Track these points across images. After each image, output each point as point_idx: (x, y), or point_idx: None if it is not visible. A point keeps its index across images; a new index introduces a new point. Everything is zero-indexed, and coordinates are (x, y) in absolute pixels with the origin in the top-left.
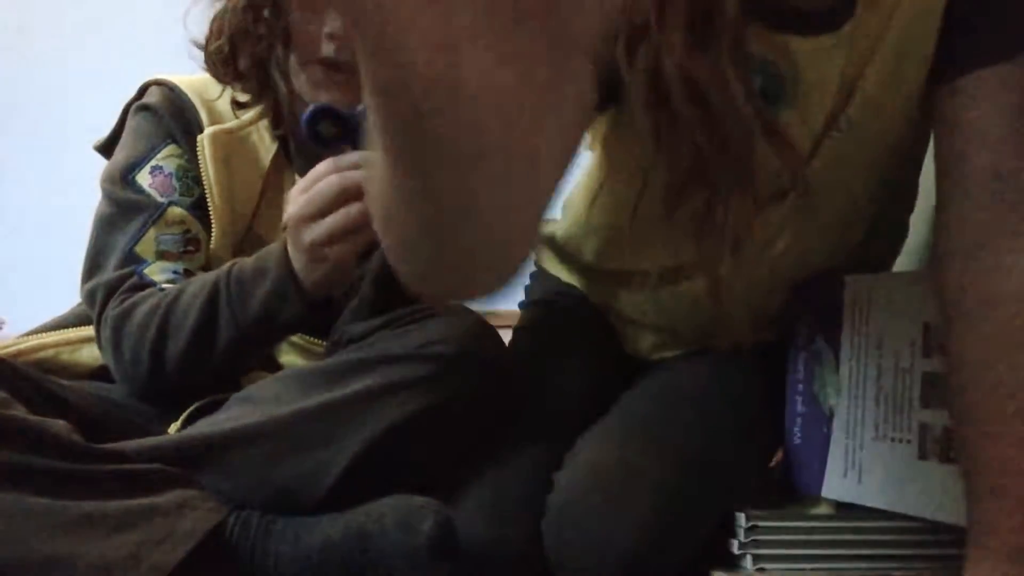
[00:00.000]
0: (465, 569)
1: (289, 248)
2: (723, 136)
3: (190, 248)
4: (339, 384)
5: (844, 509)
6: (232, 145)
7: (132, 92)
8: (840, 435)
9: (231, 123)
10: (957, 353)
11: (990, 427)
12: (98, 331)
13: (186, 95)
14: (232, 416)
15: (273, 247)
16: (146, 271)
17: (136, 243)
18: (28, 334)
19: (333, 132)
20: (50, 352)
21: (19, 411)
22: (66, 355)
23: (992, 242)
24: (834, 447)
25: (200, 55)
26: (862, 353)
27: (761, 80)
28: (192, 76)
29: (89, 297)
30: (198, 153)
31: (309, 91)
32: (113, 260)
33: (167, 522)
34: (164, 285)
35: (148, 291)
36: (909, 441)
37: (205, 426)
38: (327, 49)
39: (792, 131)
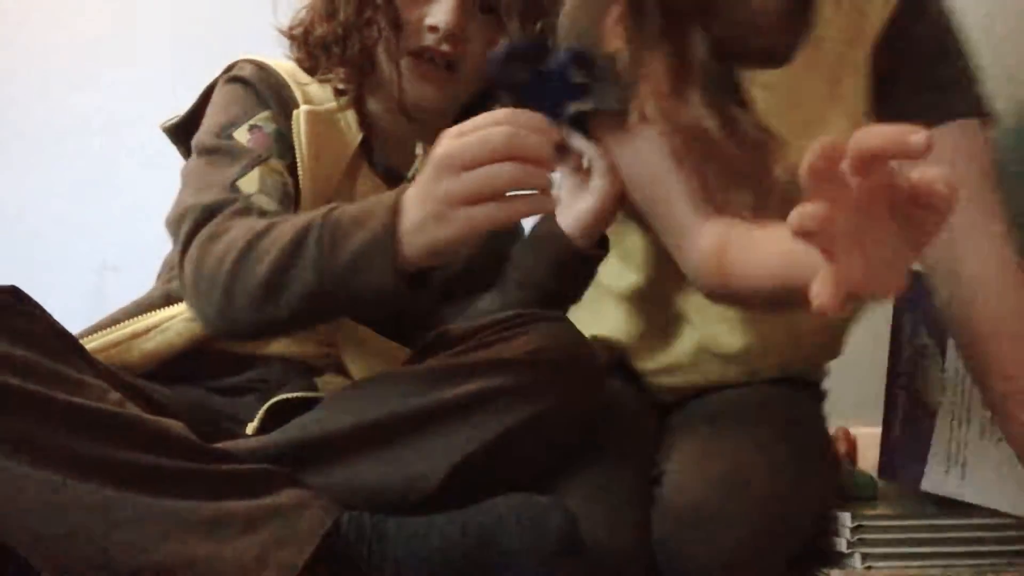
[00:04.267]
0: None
1: (412, 193)
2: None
3: (286, 202)
4: (447, 387)
5: (948, 507)
6: (324, 127)
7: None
8: (944, 431)
9: (324, 106)
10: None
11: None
12: (184, 252)
13: (279, 74)
14: (333, 416)
15: (387, 195)
16: (253, 197)
17: (240, 177)
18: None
19: (523, 79)
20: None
21: (136, 411)
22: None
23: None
24: (936, 443)
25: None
26: None
27: None
28: (279, 60)
29: (177, 220)
30: (293, 127)
31: (410, 84)
32: (213, 191)
33: (287, 522)
34: (268, 209)
35: (250, 216)
36: None
37: (305, 426)
38: (428, 40)
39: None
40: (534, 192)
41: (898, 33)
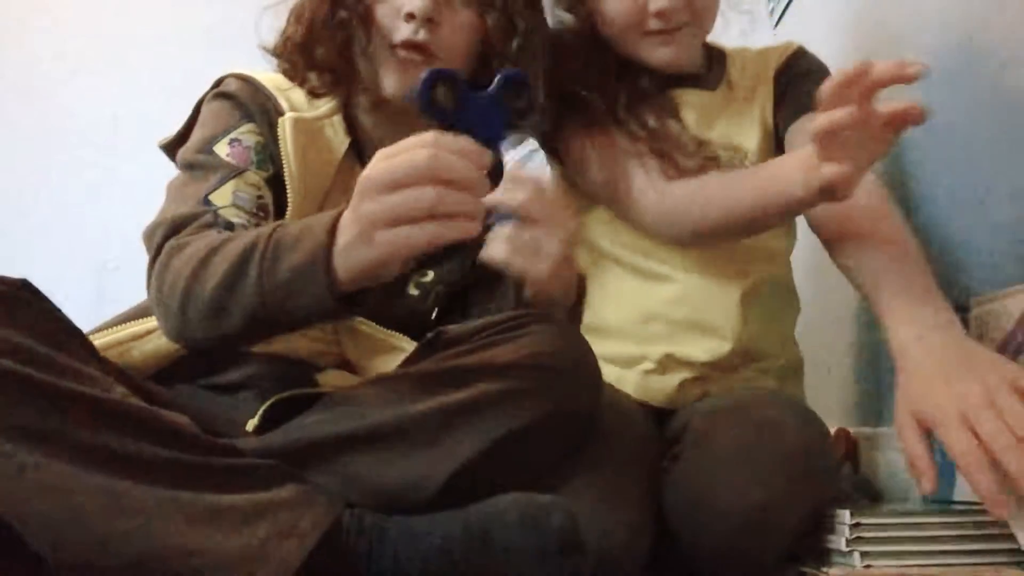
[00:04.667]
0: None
1: (345, 214)
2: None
3: (261, 214)
4: (449, 391)
5: (947, 505)
6: (310, 134)
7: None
8: None
9: (309, 113)
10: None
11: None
12: (152, 264)
13: (264, 85)
14: (335, 418)
15: (326, 215)
16: (221, 211)
17: (212, 192)
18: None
19: (450, 105)
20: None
21: (141, 403)
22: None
23: None
24: None
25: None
26: None
27: None
28: (267, 72)
29: (150, 233)
30: (278, 135)
31: (388, 77)
32: (187, 205)
33: (289, 517)
34: (235, 222)
35: (212, 230)
36: None
37: (307, 427)
38: (405, 31)
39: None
40: (458, 217)
41: (789, 68)
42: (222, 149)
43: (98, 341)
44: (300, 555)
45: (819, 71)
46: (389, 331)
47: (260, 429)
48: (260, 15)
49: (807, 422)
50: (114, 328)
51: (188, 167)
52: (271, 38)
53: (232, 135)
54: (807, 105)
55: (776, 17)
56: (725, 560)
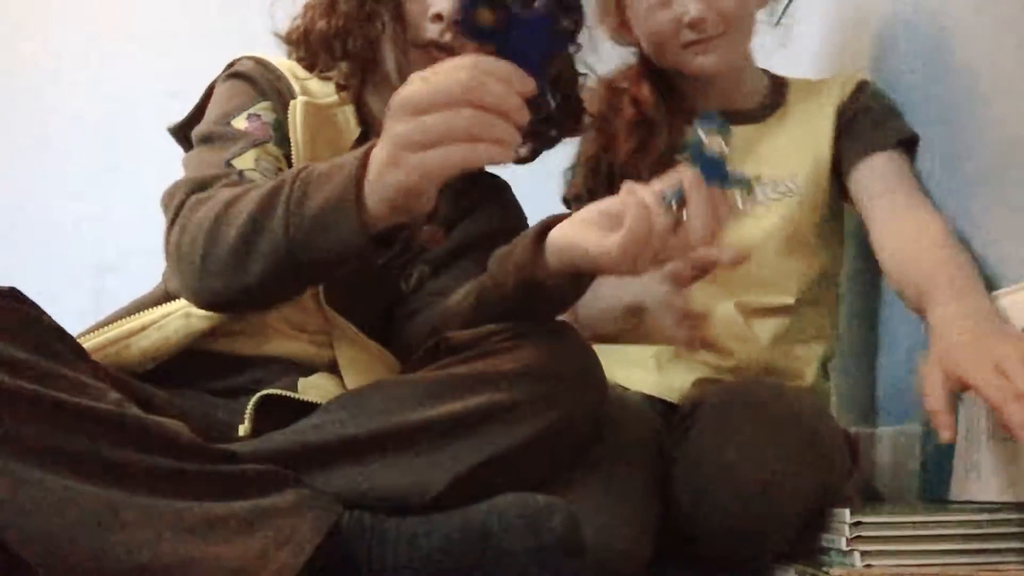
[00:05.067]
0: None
1: (380, 141)
2: None
3: None
4: (452, 399)
5: (946, 504)
6: (321, 119)
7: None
8: (961, 440)
9: (321, 99)
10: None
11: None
12: (173, 221)
13: (278, 68)
14: (335, 422)
15: (356, 151)
16: (245, 172)
17: (234, 158)
18: None
19: (492, 26)
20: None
21: (136, 411)
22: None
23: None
24: (956, 453)
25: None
26: None
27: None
28: (279, 58)
29: (170, 194)
30: (289, 116)
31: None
32: (209, 169)
33: (288, 522)
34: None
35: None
36: None
37: (306, 431)
38: (432, 31)
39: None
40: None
41: (853, 102)
42: (240, 123)
43: (94, 340)
44: (300, 560)
45: (883, 107)
46: (379, 346)
47: (253, 432)
48: (272, 6)
49: (819, 411)
50: (110, 326)
51: (206, 139)
52: (280, 29)
53: (250, 110)
54: (875, 143)
55: (777, 17)
56: (726, 543)
